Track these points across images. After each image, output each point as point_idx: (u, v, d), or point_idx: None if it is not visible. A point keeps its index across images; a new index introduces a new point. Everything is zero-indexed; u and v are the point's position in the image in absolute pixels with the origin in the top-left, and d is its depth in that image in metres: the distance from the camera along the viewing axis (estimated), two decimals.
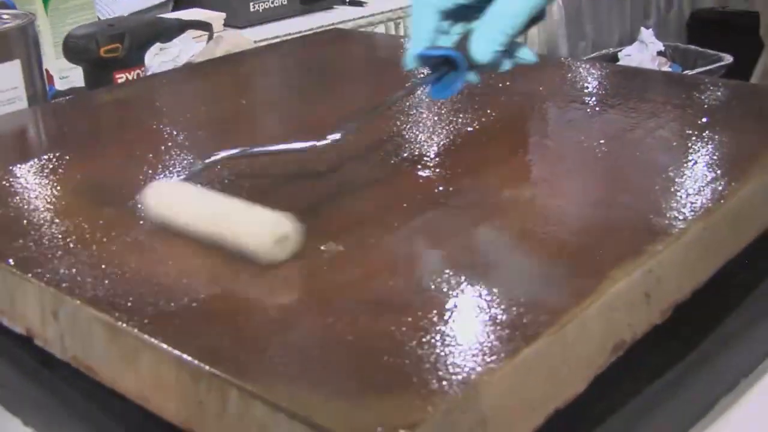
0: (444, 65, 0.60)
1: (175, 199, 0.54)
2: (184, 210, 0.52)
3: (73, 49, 0.95)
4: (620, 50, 2.40)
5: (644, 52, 2.34)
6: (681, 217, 0.52)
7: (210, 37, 1.15)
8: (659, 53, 2.39)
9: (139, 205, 0.55)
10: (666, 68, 2.28)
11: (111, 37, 0.95)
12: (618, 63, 2.23)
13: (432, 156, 0.64)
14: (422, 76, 0.63)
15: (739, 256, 0.57)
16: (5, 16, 0.88)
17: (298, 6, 1.71)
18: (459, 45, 0.60)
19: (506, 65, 0.62)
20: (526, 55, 0.62)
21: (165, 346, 0.41)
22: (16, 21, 0.86)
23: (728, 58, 2.33)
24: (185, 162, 0.65)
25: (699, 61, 2.39)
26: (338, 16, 1.78)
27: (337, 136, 0.57)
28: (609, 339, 0.45)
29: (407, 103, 0.76)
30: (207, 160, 0.59)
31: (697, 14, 2.92)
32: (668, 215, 0.52)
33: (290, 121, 0.79)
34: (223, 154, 0.59)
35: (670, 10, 2.79)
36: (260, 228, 0.48)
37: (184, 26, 1.08)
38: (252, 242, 0.48)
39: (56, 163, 0.67)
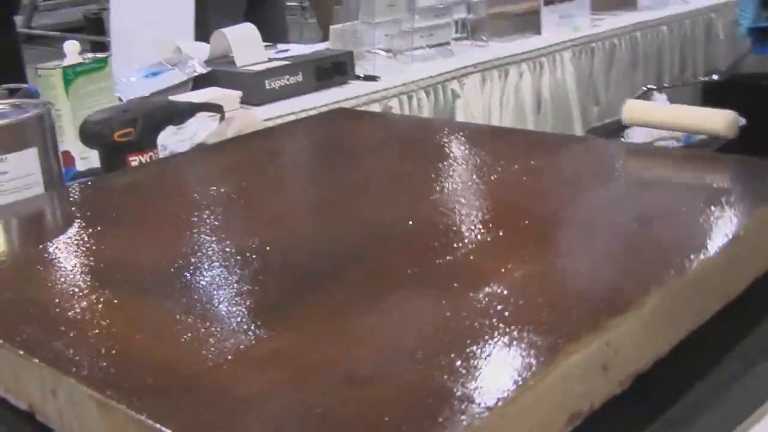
0: (763, 35, 0.90)
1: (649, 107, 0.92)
2: (661, 112, 0.90)
3: (89, 134, 1.01)
4: None
5: None
6: (641, 290, 0.55)
7: (222, 118, 1.21)
8: None
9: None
10: (677, 132, 2.30)
11: (124, 122, 1.01)
12: (629, 128, 2.26)
13: (413, 230, 0.68)
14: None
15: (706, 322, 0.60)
16: (24, 106, 0.94)
17: (312, 82, 1.77)
18: None
19: None
20: None
21: (150, 421, 0.45)
22: (35, 110, 0.91)
23: (741, 121, 2.35)
24: (192, 242, 0.70)
25: None
26: (352, 92, 1.83)
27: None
28: (564, 410, 0.48)
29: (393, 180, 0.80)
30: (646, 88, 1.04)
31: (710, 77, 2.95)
32: (629, 287, 0.56)
33: (298, 200, 0.83)
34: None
35: (683, 73, 2.83)
36: (721, 117, 0.84)
37: (195, 109, 1.14)
38: (716, 126, 0.85)
39: (68, 247, 0.71)
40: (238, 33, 1.78)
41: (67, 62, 1.30)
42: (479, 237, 0.67)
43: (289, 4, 5.36)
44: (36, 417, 0.54)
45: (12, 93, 1.25)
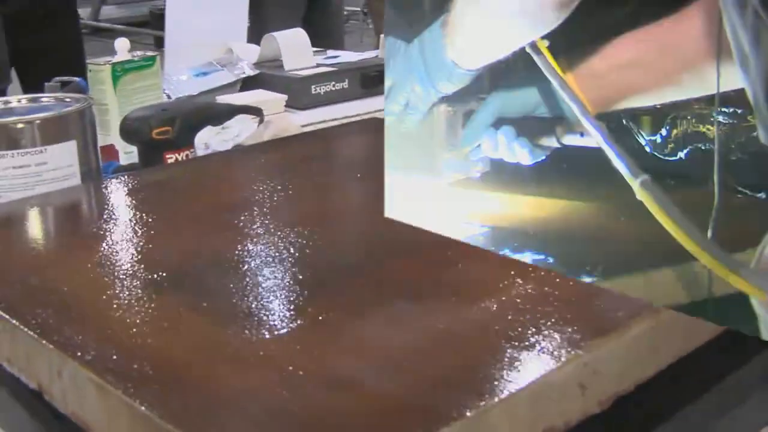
0: None
1: None
2: None
3: (128, 130, 1.05)
4: None
5: None
6: (629, 314, 0.56)
7: (261, 121, 1.24)
8: None
9: None
10: None
11: (163, 121, 1.04)
12: None
13: (425, 242, 0.70)
14: None
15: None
16: (67, 100, 0.98)
17: (358, 89, 1.79)
18: None
19: None
20: None
21: (141, 408, 0.48)
22: (76, 105, 0.95)
23: None
24: (211, 241, 0.73)
25: None
26: None
27: None
28: (537, 424, 0.50)
29: None
30: None
31: None
32: (618, 311, 0.57)
33: (318, 207, 0.86)
34: None
35: None
36: None
37: (234, 111, 1.17)
38: None
39: (94, 239, 0.75)
40: (288, 37, 1.81)
41: (116, 59, 1.35)
42: (486, 254, 0.69)
43: (351, 8, 5.41)
44: (43, 396, 0.57)
45: (64, 85, 1.30)
